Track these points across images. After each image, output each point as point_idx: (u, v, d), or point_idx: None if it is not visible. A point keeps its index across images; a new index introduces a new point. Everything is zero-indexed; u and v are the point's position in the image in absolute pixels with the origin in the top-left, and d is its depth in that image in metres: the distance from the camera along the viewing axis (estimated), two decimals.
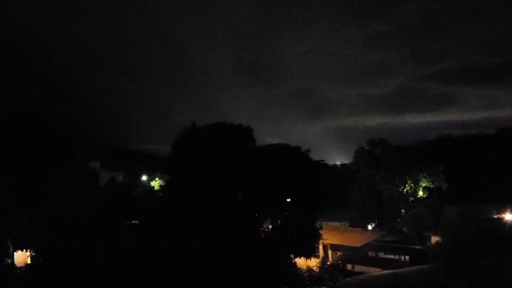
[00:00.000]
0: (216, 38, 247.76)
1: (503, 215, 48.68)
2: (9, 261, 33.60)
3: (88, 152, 48.45)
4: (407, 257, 47.83)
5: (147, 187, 44.45)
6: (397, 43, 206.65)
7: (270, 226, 35.18)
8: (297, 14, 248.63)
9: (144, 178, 68.49)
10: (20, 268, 32.36)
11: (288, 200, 36.17)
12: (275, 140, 41.15)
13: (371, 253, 51.38)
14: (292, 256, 34.57)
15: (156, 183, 58.87)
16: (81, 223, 26.41)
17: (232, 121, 33.58)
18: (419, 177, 60.23)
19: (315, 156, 43.45)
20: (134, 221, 31.24)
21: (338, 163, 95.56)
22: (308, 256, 36.07)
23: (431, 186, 60.72)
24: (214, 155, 30.81)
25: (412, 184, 60.28)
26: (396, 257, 49.11)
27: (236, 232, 29.98)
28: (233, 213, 30.52)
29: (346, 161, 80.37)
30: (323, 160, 71.36)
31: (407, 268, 40.71)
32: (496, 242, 39.88)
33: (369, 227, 62.25)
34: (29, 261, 30.64)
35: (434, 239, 48.48)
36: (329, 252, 53.85)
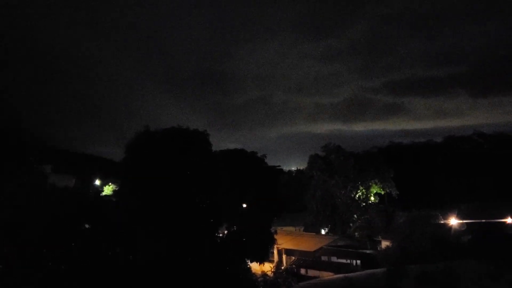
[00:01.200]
0: (175, 47, 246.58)
1: (449, 220, 50.83)
2: None
3: (39, 155, 46.67)
4: (358, 261, 49.00)
5: (100, 192, 43.42)
6: (348, 57, 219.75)
7: (225, 232, 35.25)
8: (257, 27, 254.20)
9: (97, 182, 66.77)
10: None
11: (244, 205, 36.35)
12: (232, 146, 41.20)
13: (324, 258, 52.29)
14: (247, 260, 34.77)
15: (109, 188, 57.54)
16: (31, 229, 25.49)
17: (189, 126, 33.45)
18: (370, 183, 61.86)
19: (271, 161, 43.98)
20: (86, 226, 30.45)
21: (293, 168, 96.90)
22: (262, 261, 36.39)
23: (382, 192, 62.48)
24: (168, 160, 30.51)
25: (364, 190, 61.83)
26: (348, 261, 50.21)
27: (191, 238, 29.83)
28: (188, 219, 30.33)
29: (302, 166, 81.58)
30: (279, 166, 72.05)
31: (358, 272, 41.71)
32: (442, 247, 41.68)
33: (323, 232, 63.33)
34: None
35: (384, 243, 50.00)
36: (284, 256, 54.38)
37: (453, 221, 50.00)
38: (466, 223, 51.00)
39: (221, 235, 34.75)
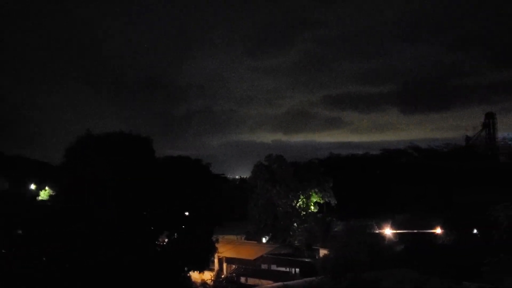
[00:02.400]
0: (118, 54, 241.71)
1: (383, 230, 53.06)
2: None
3: None
4: (297, 270, 49.93)
5: (35, 196, 41.63)
6: (291, 72, 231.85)
7: (166, 240, 34.85)
8: (205, 39, 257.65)
9: (32, 187, 63.75)
10: None
11: (186, 213, 36.14)
12: (175, 153, 40.86)
13: (264, 266, 52.82)
14: (187, 269, 34.54)
15: (45, 193, 55.13)
16: None
17: (132, 132, 32.94)
18: (310, 193, 63.30)
19: (216, 169, 44.08)
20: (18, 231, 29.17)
21: (237, 177, 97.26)
22: (202, 270, 36.26)
23: (322, 202, 64.05)
24: (109, 164, 29.90)
25: (304, 199, 63.14)
26: (287, 269, 51.05)
27: (130, 245, 29.30)
28: (126, 225, 29.79)
29: (245, 175, 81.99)
30: (223, 174, 72.02)
31: (296, 281, 42.56)
32: (376, 256, 43.40)
33: (264, 240, 63.99)
34: None
35: (323, 252, 51.27)
36: (224, 265, 54.37)
37: (388, 231, 52.25)
38: (399, 233, 53.49)
39: (162, 243, 34.31)
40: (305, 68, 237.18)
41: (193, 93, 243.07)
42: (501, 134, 60.58)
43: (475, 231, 52.35)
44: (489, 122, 59.25)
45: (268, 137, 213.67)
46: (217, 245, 37.75)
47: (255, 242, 61.59)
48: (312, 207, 63.54)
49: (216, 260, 52.69)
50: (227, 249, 54.02)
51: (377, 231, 53.92)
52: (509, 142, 58.63)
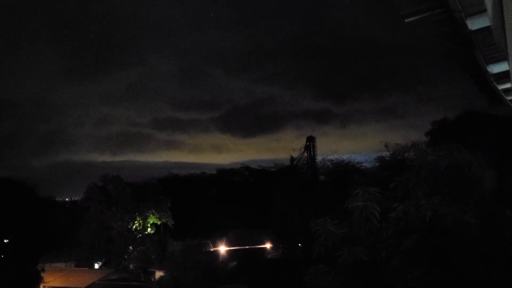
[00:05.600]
0: None
1: (218, 247, 54.99)
2: None
3: None
4: None
5: None
6: (121, 99, 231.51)
7: None
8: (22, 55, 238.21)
9: None
10: None
11: (6, 240, 32.80)
12: None
13: None
14: None
15: None
16: None
17: None
18: (147, 214, 62.42)
19: (43, 192, 40.85)
20: None
21: (67, 199, 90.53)
22: None
23: (159, 223, 63.63)
24: None
25: (141, 221, 61.94)
26: None
27: None
28: None
29: (77, 197, 76.95)
30: (52, 197, 66.50)
31: None
32: (211, 273, 44.84)
33: (96, 266, 60.73)
34: None
35: (159, 274, 51.01)
36: None
37: (222, 248, 54.34)
38: (232, 249, 56.03)
39: None
40: (136, 96, 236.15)
41: (12, 111, 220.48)
42: (320, 156, 68.19)
43: (299, 244, 57.52)
44: (310, 145, 66.23)
45: (99, 158, 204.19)
46: (43, 274, 34.96)
47: (86, 268, 58.10)
48: (149, 229, 62.64)
49: None
50: (54, 278, 49.83)
51: (212, 249, 55.64)
52: (327, 163, 66.24)
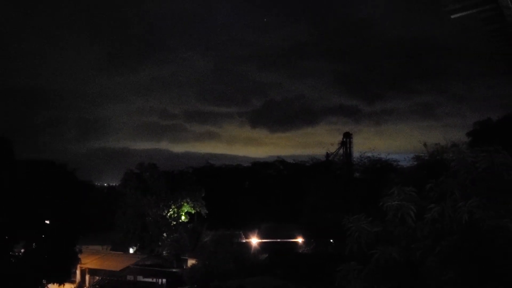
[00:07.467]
0: None
1: (249, 239, 55.24)
2: None
3: None
4: (164, 280, 49.63)
5: None
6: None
7: (22, 250, 32.41)
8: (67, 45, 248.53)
9: None
10: None
11: (47, 221, 34.02)
12: (38, 157, 38.25)
13: (130, 277, 51.48)
14: (45, 281, 32.45)
15: None
16: None
17: None
18: (182, 202, 63.40)
19: (82, 176, 42.07)
20: None
21: (105, 184, 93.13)
22: (62, 282, 34.36)
23: (193, 212, 64.51)
24: None
25: (175, 209, 62.99)
26: (154, 280, 50.45)
27: None
28: None
29: (114, 183, 79.03)
30: (90, 181, 68.63)
31: None
32: (242, 264, 45.14)
33: (131, 251, 62.27)
34: None
35: (191, 262, 51.76)
36: (87, 277, 51.76)
37: (253, 240, 54.58)
38: (264, 242, 56.17)
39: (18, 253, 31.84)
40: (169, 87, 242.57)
41: (54, 101, 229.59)
42: (357, 152, 67.03)
43: (331, 240, 57.02)
44: (346, 141, 65.21)
45: (134, 145, 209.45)
46: (80, 255, 36.12)
47: (121, 252, 59.71)
48: (183, 217, 63.63)
49: (78, 272, 49.99)
50: (91, 260, 51.59)
51: (243, 241, 55.95)
52: (364, 160, 65.14)
